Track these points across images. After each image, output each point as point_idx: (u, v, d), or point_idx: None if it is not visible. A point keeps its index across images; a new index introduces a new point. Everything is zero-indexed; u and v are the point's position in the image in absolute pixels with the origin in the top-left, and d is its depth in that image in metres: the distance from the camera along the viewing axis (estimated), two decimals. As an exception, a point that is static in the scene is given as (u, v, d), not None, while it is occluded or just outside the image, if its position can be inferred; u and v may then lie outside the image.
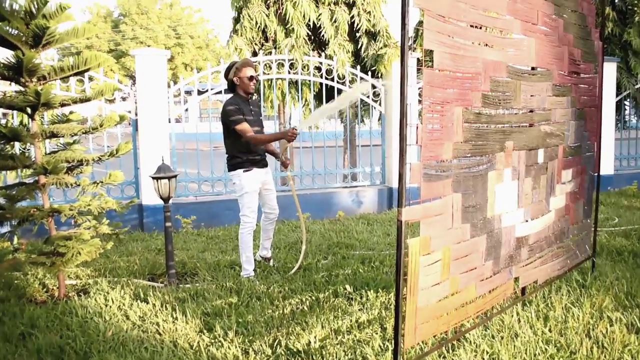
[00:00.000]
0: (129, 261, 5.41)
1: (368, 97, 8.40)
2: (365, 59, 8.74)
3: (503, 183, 3.23)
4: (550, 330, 3.41)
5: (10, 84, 5.86)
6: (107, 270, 5.07)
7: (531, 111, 3.50)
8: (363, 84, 5.19)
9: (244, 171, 4.74)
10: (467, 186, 2.92)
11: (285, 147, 5.01)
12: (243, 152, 4.74)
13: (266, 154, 4.99)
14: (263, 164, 4.87)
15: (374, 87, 8.45)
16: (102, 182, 4.38)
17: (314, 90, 8.56)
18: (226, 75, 4.86)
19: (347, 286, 4.29)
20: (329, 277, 4.64)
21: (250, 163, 4.76)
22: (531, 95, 3.45)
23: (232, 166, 4.80)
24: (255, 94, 5.06)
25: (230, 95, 4.85)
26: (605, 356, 3.06)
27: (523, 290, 3.76)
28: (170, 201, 4.75)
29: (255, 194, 4.79)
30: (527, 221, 3.52)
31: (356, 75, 8.28)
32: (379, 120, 9.37)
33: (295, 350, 3.20)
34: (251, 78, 4.74)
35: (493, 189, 3.14)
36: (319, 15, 8.66)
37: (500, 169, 3.20)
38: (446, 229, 2.80)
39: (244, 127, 4.60)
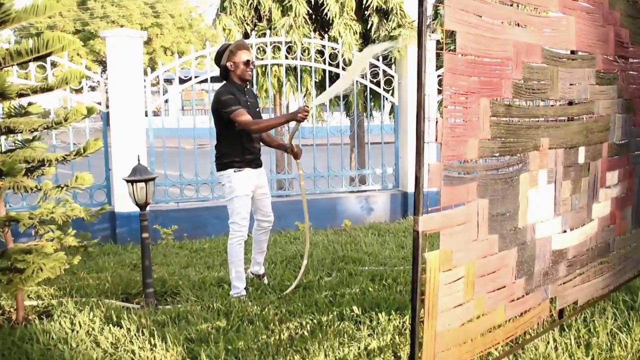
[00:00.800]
0: (100, 278, 5.41)
1: (378, 85, 8.41)
2: (376, 42, 8.74)
3: (537, 187, 3.23)
4: (593, 360, 3.40)
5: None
6: (73, 289, 5.06)
7: (570, 102, 3.49)
8: (375, 47, 4.88)
9: (234, 171, 4.74)
10: (495, 191, 2.92)
11: (296, 130, 4.88)
12: (235, 149, 4.74)
13: (260, 152, 4.96)
14: (257, 164, 4.88)
15: (386, 74, 8.46)
16: (67, 185, 4.39)
17: (315, 78, 8.56)
18: (217, 61, 4.84)
19: (355, 307, 4.28)
20: (334, 296, 4.64)
21: (242, 162, 4.76)
22: (570, 84, 3.45)
23: (222, 165, 4.80)
24: (249, 83, 5.05)
25: (222, 84, 4.85)
26: (657, 390, 3.06)
27: (561, 312, 3.75)
28: (148, 208, 4.75)
29: (247, 198, 4.78)
30: (565, 232, 3.51)
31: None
32: (391, 113, 9.36)
33: (293, 383, 3.20)
34: (248, 63, 4.75)
35: (525, 194, 3.14)
36: (321, -9, 8.68)
37: (534, 171, 3.20)
38: (470, 240, 2.80)
39: (242, 115, 4.58)
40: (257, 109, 4.91)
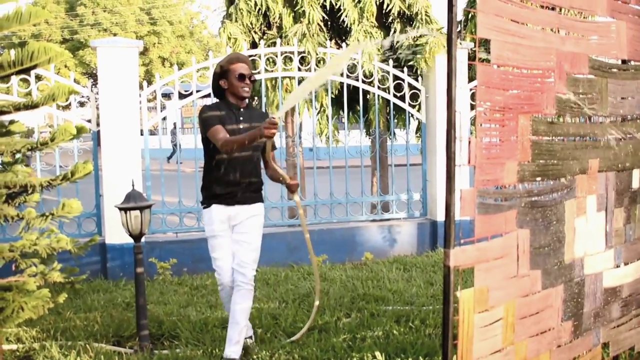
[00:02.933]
0: (88, 319, 5.42)
1: (403, 99, 8.43)
2: (399, 51, 8.79)
3: (585, 215, 3.21)
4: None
5: None
6: (58, 330, 5.08)
7: (623, 119, 3.48)
8: (357, 45, 4.43)
9: (203, 207, 4.61)
10: (536, 220, 2.90)
11: (269, 150, 4.59)
12: (208, 181, 4.58)
13: (247, 186, 4.54)
14: (240, 200, 4.51)
15: (412, 87, 8.48)
16: (52, 214, 4.41)
17: (332, 93, 8.60)
18: (213, 82, 4.67)
19: (377, 353, 4.25)
20: (353, 340, 4.61)
21: (211, 197, 4.55)
22: (622, 98, 3.44)
23: (201, 201, 4.71)
24: (254, 100, 4.98)
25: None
26: None
27: None
28: (143, 239, 4.76)
29: (215, 239, 4.53)
30: (618, 267, 3.47)
31: (387, 73, 8.32)
32: (417, 131, 9.36)
33: None
34: (242, 77, 4.47)
35: (572, 224, 3.11)
36: (338, -6, 8.76)
37: (582, 197, 3.17)
38: (509, 277, 2.78)
39: (217, 133, 4.33)
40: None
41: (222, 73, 4.53)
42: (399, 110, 9.09)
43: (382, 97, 8.59)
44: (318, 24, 8.63)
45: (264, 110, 7.89)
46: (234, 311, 4.40)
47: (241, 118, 4.49)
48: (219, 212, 4.49)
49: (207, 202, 4.55)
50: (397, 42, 8.80)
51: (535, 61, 2.84)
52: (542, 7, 2.89)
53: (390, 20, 8.94)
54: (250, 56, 7.76)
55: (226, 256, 4.50)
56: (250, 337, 4.79)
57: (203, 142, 4.53)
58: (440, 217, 8.34)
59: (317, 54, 8.22)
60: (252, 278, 4.46)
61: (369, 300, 5.81)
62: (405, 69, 8.44)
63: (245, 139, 4.18)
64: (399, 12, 8.84)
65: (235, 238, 4.50)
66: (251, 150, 4.50)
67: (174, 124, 27.41)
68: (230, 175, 4.48)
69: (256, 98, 9.32)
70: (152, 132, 21.13)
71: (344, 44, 8.37)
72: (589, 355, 3.31)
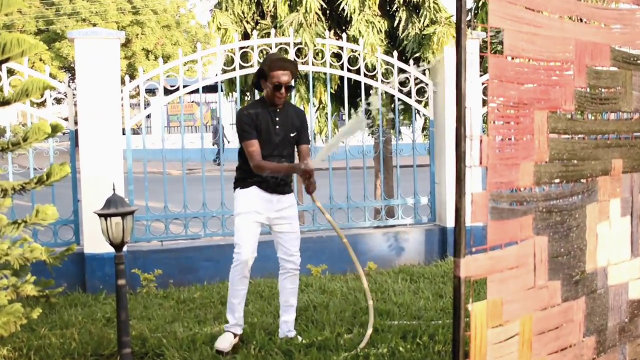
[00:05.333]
0: (65, 336, 5.41)
1: (409, 95, 8.43)
2: (405, 42, 8.79)
3: (609, 221, 3.20)
4: None
5: None
6: (32, 349, 5.06)
7: (648, 115, 3.48)
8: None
9: (239, 188, 5.19)
10: (555, 226, 2.90)
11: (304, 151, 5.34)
12: (245, 167, 5.13)
13: (282, 178, 5.24)
14: (272, 189, 5.18)
15: (418, 81, 8.49)
16: (26, 221, 4.40)
17: (331, 87, 8.60)
18: (255, 76, 5.27)
19: (382, 372, 4.24)
20: (355, 358, 4.60)
21: (249, 182, 5.14)
22: (648, 92, 3.44)
23: (234, 184, 5.29)
24: (289, 98, 5.38)
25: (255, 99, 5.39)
26: None
27: (641, 378, 3.70)
28: (125, 248, 4.76)
29: (248, 217, 5.11)
30: (645, 276, 3.47)
31: (392, 66, 8.33)
32: (424, 129, 9.36)
33: None
34: (278, 87, 5.02)
35: (594, 230, 3.11)
36: (337, -20, 8.76)
37: (604, 200, 3.17)
38: (526, 288, 2.77)
39: (251, 147, 5.01)
40: (291, 133, 5.19)
41: (261, 73, 5.11)
42: (405, 106, 9.10)
43: (386, 92, 8.59)
44: (316, 12, 8.61)
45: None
46: (287, 294, 5.26)
47: (277, 118, 5.12)
48: (258, 193, 5.13)
49: (244, 184, 5.17)
50: (403, 32, 8.80)
51: (553, 52, 2.83)
52: (560, -7, 2.88)
53: (394, 8, 8.94)
54: (242, 48, 7.77)
55: (252, 233, 5.12)
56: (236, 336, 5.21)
57: (239, 141, 5.15)
58: (450, 223, 8.32)
59: (314, 46, 8.21)
60: (299, 263, 5.31)
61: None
62: (411, 62, 8.44)
63: (278, 170, 5.05)
64: (403, 0, 8.84)
65: (279, 229, 5.23)
66: (286, 151, 5.22)
67: (218, 119, 27.11)
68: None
69: (248, 93, 9.33)
70: (135, 131, 21.14)
71: (344, 35, 8.36)
72: (613, 374, 3.30)
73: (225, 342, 5.03)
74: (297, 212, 5.48)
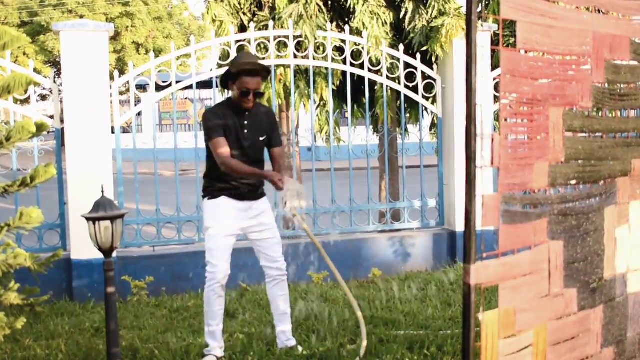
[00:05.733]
0: (51, 347, 5.41)
1: (415, 90, 8.43)
2: (411, 35, 8.79)
3: (628, 224, 3.20)
4: None
5: None
6: (16, 361, 5.07)
7: (670, 112, 3.48)
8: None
9: (208, 199, 5.17)
10: (571, 230, 2.90)
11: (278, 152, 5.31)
12: (213, 173, 5.11)
13: (256, 183, 5.20)
14: (246, 197, 5.14)
15: (426, 76, 8.49)
16: (8, 225, 4.40)
17: (333, 83, 8.60)
18: (223, 76, 5.21)
19: (387, 386, 4.25)
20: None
21: (218, 190, 5.12)
22: (669, 88, 3.44)
23: (202, 193, 5.27)
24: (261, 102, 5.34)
25: (221, 100, 5.34)
26: None
27: (663, 392, 3.69)
28: (115, 254, 4.76)
29: (220, 231, 5.07)
30: (667, 284, 3.47)
31: (397, 60, 8.33)
32: (433, 127, 9.36)
33: None
34: (246, 93, 5.00)
35: (612, 234, 3.11)
36: (340, -31, 8.77)
37: (624, 203, 3.17)
38: (540, 296, 2.77)
39: (219, 147, 4.95)
40: (260, 137, 5.17)
41: (233, 75, 5.04)
42: (412, 103, 9.09)
43: (391, 88, 8.59)
44: (317, 3, 8.62)
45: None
46: (278, 302, 5.25)
47: (245, 122, 5.09)
48: (229, 202, 5.08)
49: (213, 194, 5.14)
50: (410, 24, 8.80)
51: (569, 46, 2.83)
52: (576, -18, 2.89)
53: (400, -1, 8.94)
54: (239, 41, 7.77)
55: (225, 247, 5.07)
56: (295, 348, 5.26)
57: (206, 143, 5.11)
58: (460, 227, 8.32)
59: (315, 39, 8.21)
60: (285, 267, 5.26)
61: (377, 324, 5.81)
62: (418, 56, 8.44)
63: (248, 172, 4.97)
64: (410, -10, 8.84)
65: (257, 237, 5.19)
66: (255, 157, 5.17)
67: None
68: (235, 175, 5.03)
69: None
70: (125, 130, 21.15)
71: (346, 27, 8.36)
72: (632, 387, 3.30)
73: None
74: (273, 215, 5.42)
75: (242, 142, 5.06)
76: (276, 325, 5.33)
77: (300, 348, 5.21)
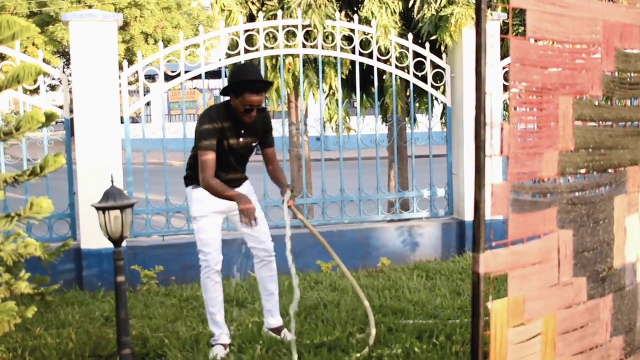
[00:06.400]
0: (61, 336, 5.44)
1: (424, 80, 8.41)
2: (420, 24, 8.77)
3: (638, 213, 3.19)
4: None
5: None
6: (27, 349, 5.10)
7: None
8: None
9: (193, 187, 5.23)
10: (581, 219, 2.89)
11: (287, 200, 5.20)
12: (195, 169, 5.09)
13: (240, 171, 5.32)
14: (230, 184, 5.10)
15: (435, 65, 8.46)
16: (19, 215, 4.42)
17: (342, 72, 8.59)
18: (225, 88, 5.11)
19: (396, 375, 4.25)
20: (368, 359, 4.60)
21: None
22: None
23: (185, 182, 5.36)
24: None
25: (219, 103, 5.22)
26: None
27: (672, 381, 3.69)
28: (124, 243, 4.78)
29: (207, 220, 5.16)
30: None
31: (406, 49, 8.31)
32: (442, 117, 9.34)
33: None
34: (249, 110, 4.93)
35: (622, 223, 3.10)
36: (348, -42, 8.74)
37: (634, 192, 3.16)
38: (549, 285, 2.77)
39: (205, 158, 4.92)
40: (255, 143, 5.23)
41: (234, 89, 4.93)
42: (421, 92, 9.07)
43: (400, 78, 8.57)
44: (326, -8, 8.60)
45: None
46: (265, 282, 5.34)
47: (242, 131, 5.08)
48: None
49: (196, 182, 5.12)
50: (419, 13, 8.77)
51: (579, 34, 2.82)
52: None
53: (409, -12, 8.91)
54: (247, 30, 7.77)
55: (215, 236, 5.16)
56: (281, 329, 5.36)
57: (195, 143, 5.12)
58: (469, 216, 8.32)
59: (324, 28, 8.19)
60: (273, 248, 5.31)
61: (386, 313, 5.82)
62: (427, 45, 8.41)
63: (224, 195, 4.89)
64: (419, -21, 8.81)
65: (239, 219, 5.00)
66: (243, 156, 5.27)
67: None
68: (220, 173, 5.05)
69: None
70: (134, 120, 21.15)
71: (355, 16, 8.34)
72: (642, 376, 3.30)
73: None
74: (256, 197, 5.35)
75: (235, 147, 5.07)
76: (263, 305, 5.41)
77: (288, 332, 5.23)
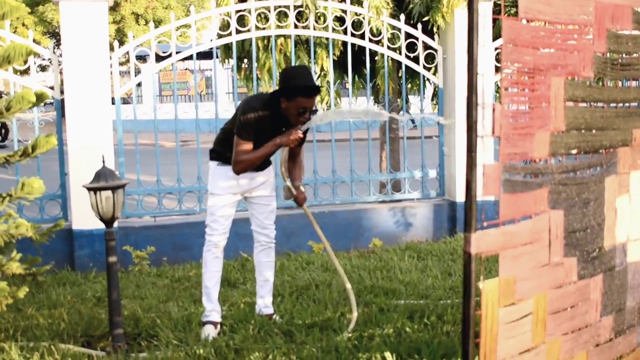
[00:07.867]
0: (53, 316, 5.44)
1: (417, 61, 8.39)
2: (412, 5, 8.74)
3: (629, 194, 3.20)
4: None
5: None
6: (18, 330, 5.09)
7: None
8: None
9: (218, 164, 5.23)
10: (572, 199, 2.90)
11: (285, 158, 5.29)
12: (228, 144, 5.07)
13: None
14: (256, 167, 5.14)
15: (427, 47, 8.45)
16: (10, 195, 4.41)
17: (334, 53, 8.57)
18: (277, 88, 5.18)
19: (387, 354, 4.27)
20: (359, 339, 4.63)
21: (230, 159, 5.08)
22: (671, 58, 3.43)
23: (211, 156, 5.33)
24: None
25: (266, 93, 5.43)
26: None
27: (661, 360, 3.71)
28: (116, 224, 4.77)
29: (226, 199, 5.18)
30: (666, 253, 3.48)
31: (398, 30, 8.28)
32: (434, 98, 9.33)
33: None
34: (302, 113, 4.93)
35: (613, 204, 3.11)
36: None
37: (625, 173, 3.17)
38: (540, 265, 2.78)
39: (241, 147, 4.93)
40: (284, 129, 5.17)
41: (287, 93, 4.90)
42: (413, 74, 9.06)
43: (392, 59, 8.55)
44: (318, -28, 8.57)
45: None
46: (262, 268, 5.37)
47: (284, 129, 4.99)
48: (241, 175, 5.11)
49: (224, 160, 5.15)
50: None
51: (571, 15, 2.82)
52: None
53: (401, -32, 8.88)
54: (239, 11, 7.74)
55: (227, 214, 5.20)
56: (272, 316, 5.32)
57: (235, 131, 5.05)
58: (460, 197, 8.33)
59: (316, 9, 8.15)
60: (275, 236, 5.40)
61: (377, 294, 5.83)
62: (419, 26, 8.40)
63: (265, 153, 4.99)
64: (411, -41, 8.78)
65: (255, 201, 5.32)
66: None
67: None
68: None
69: (245, 60, 9.29)
70: (125, 101, 21.09)
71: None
72: (632, 356, 3.32)
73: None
74: (274, 186, 5.54)
75: (269, 137, 4.98)
76: (257, 291, 5.43)
77: (277, 317, 5.27)
